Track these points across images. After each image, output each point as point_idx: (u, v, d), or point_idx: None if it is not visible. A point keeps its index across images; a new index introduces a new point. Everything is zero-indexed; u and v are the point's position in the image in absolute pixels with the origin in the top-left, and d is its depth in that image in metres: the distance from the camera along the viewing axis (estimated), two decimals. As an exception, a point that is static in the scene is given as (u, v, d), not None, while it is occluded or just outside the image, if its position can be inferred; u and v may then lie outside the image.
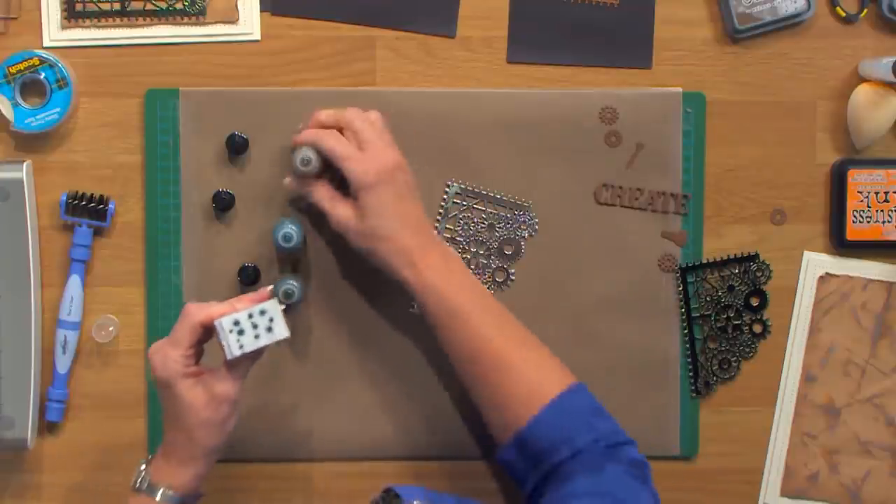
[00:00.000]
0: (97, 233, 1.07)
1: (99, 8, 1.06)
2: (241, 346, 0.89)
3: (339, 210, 0.98)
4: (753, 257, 1.10)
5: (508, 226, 1.08)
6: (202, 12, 1.07)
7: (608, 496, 0.88)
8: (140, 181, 1.07)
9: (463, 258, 1.07)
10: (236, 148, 1.06)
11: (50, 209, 1.07)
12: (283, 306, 0.92)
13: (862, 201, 1.08)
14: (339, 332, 1.08)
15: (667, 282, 1.09)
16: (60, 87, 1.05)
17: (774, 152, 1.10)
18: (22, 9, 1.06)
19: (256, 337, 0.90)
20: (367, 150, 0.97)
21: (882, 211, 1.09)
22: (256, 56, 1.07)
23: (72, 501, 1.08)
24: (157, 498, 0.91)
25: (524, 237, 1.08)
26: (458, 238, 1.08)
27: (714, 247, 1.10)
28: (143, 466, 0.93)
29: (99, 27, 1.06)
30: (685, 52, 1.09)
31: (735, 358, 1.10)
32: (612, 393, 1.06)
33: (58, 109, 1.05)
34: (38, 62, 1.04)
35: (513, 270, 1.08)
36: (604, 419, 0.94)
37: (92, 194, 1.06)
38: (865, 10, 1.09)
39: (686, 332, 1.09)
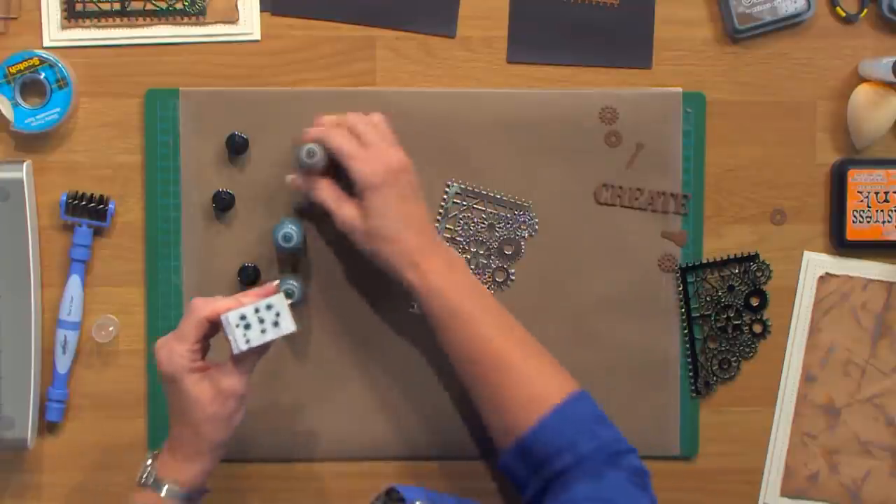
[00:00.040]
0: (97, 233, 1.07)
1: (99, 8, 1.06)
2: (247, 341, 0.89)
3: (343, 209, 0.98)
4: (753, 257, 1.10)
5: (508, 226, 1.08)
6: (202, 12, 1.07)
7: (609, 503, 0.88)
8: (140, 181, 1.07)
9: (463, 258, 1.07)
10: (236, 148, 1.06)
11: (50, 209, 1.07)
12: (290, 301, 0.92)
13: (862, 201, 1.08)
14: (339, 332, 1.08)
15: (667, 282, 1.09)
16: (60, 87, 1.05)
17: (774, 152, 1.10)
18: (22, 9, 1.06)
19: (263, 331, 0.90)
20: (372, 151, 0.97)
21: (882, 211, 1.09)
22: (256, 56, 1.07)
23: (72, 501, 1.08)
24: (163, 493, 0.90)
25: (524, 237, 1.08)
26: (458, 238, 1.08)
27: (714, 247, 1.10)
28: (149, 461, 0.93)
29: (99, 27, 1.06)
30: (685, 52, 1.09)
31: (735, 358, 1.10)
32: (612, 393, 1.06)
33: (58, 109, 1.05)
34: (38, 62, 1.04)
35: (513, 270, 1.08)
36: (606, 427, 0.94)
37: (92, 194, 1.06)
38: (865, 10, 1.09)
39: (686, 332, 1.09)
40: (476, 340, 0.95)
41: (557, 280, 1.09)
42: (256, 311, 0.90)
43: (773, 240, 1.10)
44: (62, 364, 1.06)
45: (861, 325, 1.10)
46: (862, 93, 1.08)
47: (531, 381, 0.94)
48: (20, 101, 1.05)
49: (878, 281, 1.10)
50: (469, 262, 1.08)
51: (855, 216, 1.08)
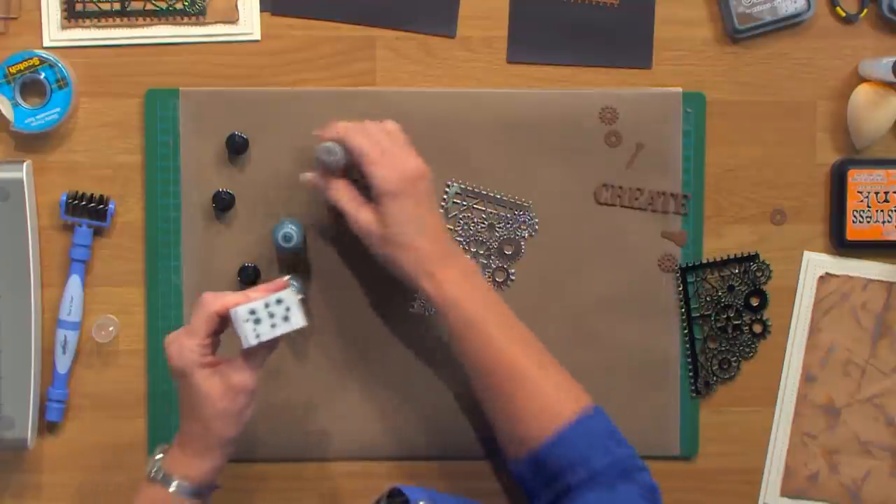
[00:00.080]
0: (97, 233, 1.07)
1: (99, 8, 1.06)
2: (257, 336, 0.89)
3: (360, 213, 0.97)
4: (753, 257, 1.10)
5: (508, 226, 1.08)
6: (202, 12, 1.07)
7: None
8: (140, 181, 1.07)
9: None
10: (236, 148, 1.06)
11: (50, 209, 1.07)
12: (301, 295, 0.91)
13: (862, 201, 1.08)
14: (339, 332, 1.08)
15: (667, 282, 1.09)
16: (60, 87, 1.05)
17: (774, 152, 1.10)
18: (22, 9, 1.06)
19: (273, 326, 0.89)
20: (391, 157, 0.96)
21: (882, 211, 1.09)
22: (256, 56, 1.07)
23: (72, 501, 1.08)
24: (172, 489, 0.90)
25: (524, 237, 1.08)
26: (458, 238, 1.08)
27: (714, 247, 1.10)
28: (159, 456, 0.93)
29: (99, 27, 1.06)
30: (685, 52, 1.09)
31: (735, 358, 1.10)
32: (612, 393, 1.06)
33: (58, 109, 1.05)
34: (38, 62, 1.04)
35: (513, 270, 1.08)
36: (620, 444, 0.94)
37: (92, 194, 1.06)
38: (865, 10, 1.09)
39: (686, 332, 1.09)
40: (491, 352, 0.94)
41: (557, 280, 1.09)
42: (266, 305, 0.89)
43: (773, 240, 1.10)
44: (62, 364, 1.06)
45: (861, 325, 1.10)
46: (862, 93, 1.08)
47: (546, 394, 0.93)
48: (20, 101, 1.05)
49: (878, 281, 1.10)
50: (469, 262, 1.08)
51: (855, 216, 1.08)
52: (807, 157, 1.10)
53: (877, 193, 1.09)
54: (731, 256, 1.09)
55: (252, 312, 0.89)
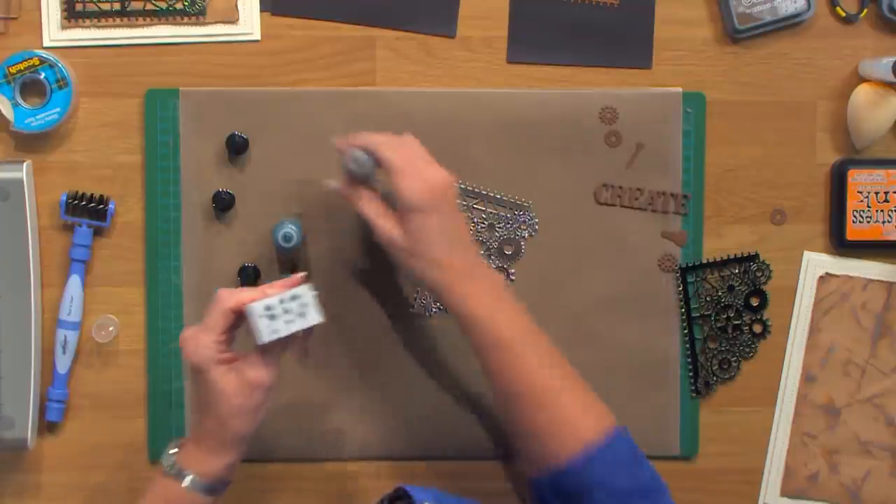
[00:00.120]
0: (97, 233, 1.07)
1: (99, 8, 1.06)
2: (273, 332, 0.88)
3: (386, 227, 0.95)
4: (753, 257, 1.10)
5: (508, 226, 1.08)
6: (202, 12, 1.07)
7: None
8: (140, 181, 1.07)
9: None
10: (236, 148, 1.06)
11: (50, 209, 1.07)
12: (316, 291, 0.90)
13: (862, 201, 1.08)
14: (338, 332, 1.08)
15: (667, 282, 1.09)
16: (60, 87, 1.05)
17: (774, 152, 1.10)
18: (22, 9, 1.06)
19: (289, 322, 0.89)
20: (417, 170, 0.94)
21: (882, 211, 1.09)
22: (256, 56, 1.07)
23: (72, 501, 1.08)
24: (185, 483, 0.90)
25: (524, 237, 1.08)
26: (458, 238, 1.08)
27: (714, 247, 1.10)
28: (173, 450, 0.92)
29: (99, 27, 1.06)
30: (685, 52, 1.09)
31: (735, 358, 1.10)
32: (612, 393, 1.06)
33: (58, 109, 1.05)
34: (38, 62, 1.04)
35: (513, 270, 1.08)
36: (643, 466, 0.93)
37: (92, 194, 1.06)
38: (865, 10, 1.09)
39: (686, 332, 1.09)
40: (518, 373, 0.93)
41: (557, 280, 1.09)
42: (282, 301, 0.89)
43: (773, 240, 1.10)
44: (62, 364, 1.06)
45: (861, 325, 1.10)
46: (862, 93, 1.08)
47: (571, 415, 0.92)
48: (20, 101, 1.05)
49: (878, 281, 1.10)
50: (469, 262, 1.08)
51: (855, 216, 1.08)
52: (807, 157, 1.10)
53: (877, 193, 1.09)
54: (731, 256, 1.10)
55: (268, 308, 0.88)
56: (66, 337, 1.06)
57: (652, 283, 1.09)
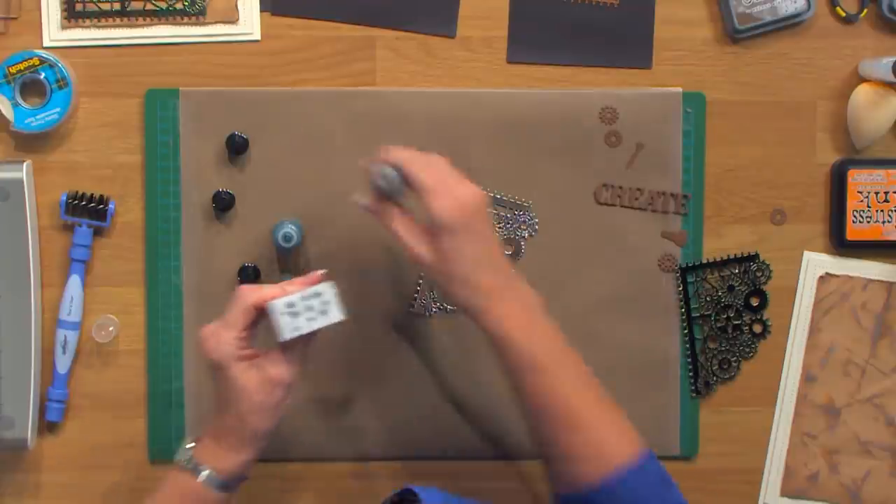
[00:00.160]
0: (97, 233, 1.07)
1: (99, 8, 1.06)
2: (294, 329, 0.88)
3: (416, 246, 0.92)
4: (753, 257, 1.10)
5: (508, 226, 1.08)
6: (202, 12, 1.07)
7: None
8: (140, 181, 1.07)
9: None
10: (236, 148, 1.06)
11: (50, 209, 1.07)
12: (336, 289, 0.90)
13: (862, 201, 1.08)
14: (338, 332, 1.07)
15: (667, 282, 1.09)
16: (60, 87, 1.05)
17: (774, 152, 1.10)
18: (22, 9, 1.06)
19: (310, 320, 0.88)
20: (448, 188, 0.90)
21: (882, 211, 1.09)
22: (256, 56, 1.07)
23: (72, 501, 1.08)
24: (201, 479, 0.89)
25: (524, 237, 1.08)
26: (458, 238, 1.08)
27: (714, 247, 1.10)
28: (190, 444, 0.92)
29: (99, 27, 1.06)
30: (685, 52, 1.09)
31: (735, 358, 1.10)
32: (612, 393, 1.06)
33: (58, 109, 1.05)
34: (38, 62, 1.04)
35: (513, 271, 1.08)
36: (670, 487, 0.92)
37: (92, 194, 1.06)
38: (865, 10, 1.09)
39: (686, 332, 1.09)
40: (550, 396, 0.90)
41: (557, 280, 1.09)
42: (304, 298, 0.88)
43: (773, 240, 1.10)
44: (62, 364, 1.06)
45: (861, 325, 1.10)
46: (862, 93, 1.08)
47: (603, 439, 0.91)
48: (20, 101, 1.05)
49: (878, 281, 1.10)
50: (469, 262, 1.08)
51: (855, 216, 1.08)
52: (807, 157, 1.10)
53: (877, 193, 1.09)
54: (731, 256, 1.09)
55: (290, 306, 0.88)
56: (66, 337, 1.06)
57: (652, 283, 1.09)
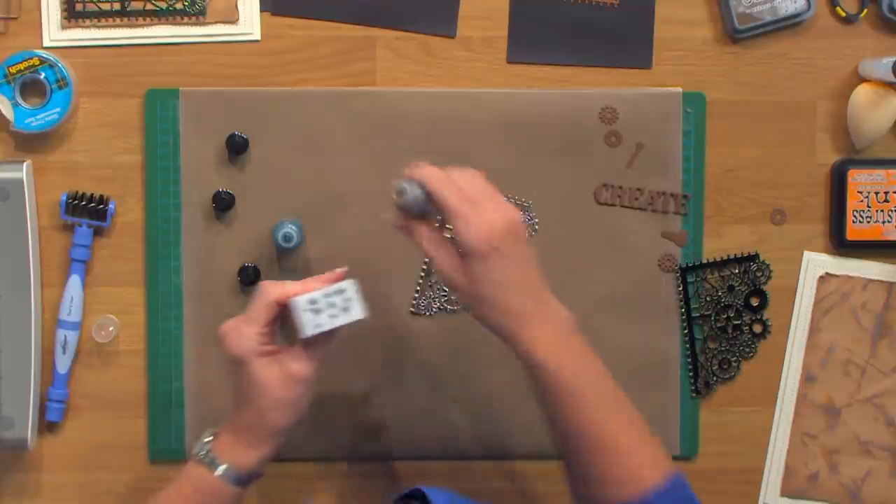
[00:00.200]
0: (97, 233, 1.07)
1: (99, 8, 1.06)
2: (316, 326, 0.88)
3: (445, 267, 0.88)
4: (753, 257, 1.10)
5: (508, 226, 1.08)
6: (202, 12, 1.07)
7: None
8: (140, 181, 1.07)
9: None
10: (236, 148, 1.06)
11: (50, 209, 1.07)
12: (358, 287, 0.89)
13: (862, 201, 1.08)
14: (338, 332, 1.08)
15: (667, 282, 1.09)
16: (60, 87, 1.05)
17: (774, 152, 1.10)
18: (22, 9, 1.06)
19: (332, 317, 0.88)
20: (478, 211, 0.86)
21: (882, 211, 1.09)
22: (256, 56, 1.07)
23: (72, 501, 1.08)
24: (217, 473, 0.89)
25: (524, 237, 1.08)
26: (458, 238, 1.08)
27: (714, 247, 1.10)
28: (208, 439, 0.91)
29: (99, 27, 1.06)
30: (685, 52, 1.09)
31: (735, 358, 1.10)
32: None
33: (58, 109, 1.05)
34: (38, 62, 1.04)
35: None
36: None
37: (92, 194, 1.06)
38: (865, 10, 1.09)
39: (686, 332, 1.09)
40: (583, 421, 0.88)
41: (557, 280, 1.08)
42: (326, 295, 0.88)
43: (773, 240, 1.10)
44: (62, 364, 1.06)
45: (861, 325, 1.10)
46: (862, 93, 1.08)
47: (635, 463, 0.89)
48: (20, 101, 1.05)
49: (878, 281, 1.10)
50: (469, 262, 1.08)
51: (855, 216, 1.08)
52: (807, 157, 1.10)
53: (877, 193, 1.09)
54: (731, 256, 1.09)
55: (312, 302, 0.88)
56: (66, 337, 1.06)
57: (652, 283, 1.09)
